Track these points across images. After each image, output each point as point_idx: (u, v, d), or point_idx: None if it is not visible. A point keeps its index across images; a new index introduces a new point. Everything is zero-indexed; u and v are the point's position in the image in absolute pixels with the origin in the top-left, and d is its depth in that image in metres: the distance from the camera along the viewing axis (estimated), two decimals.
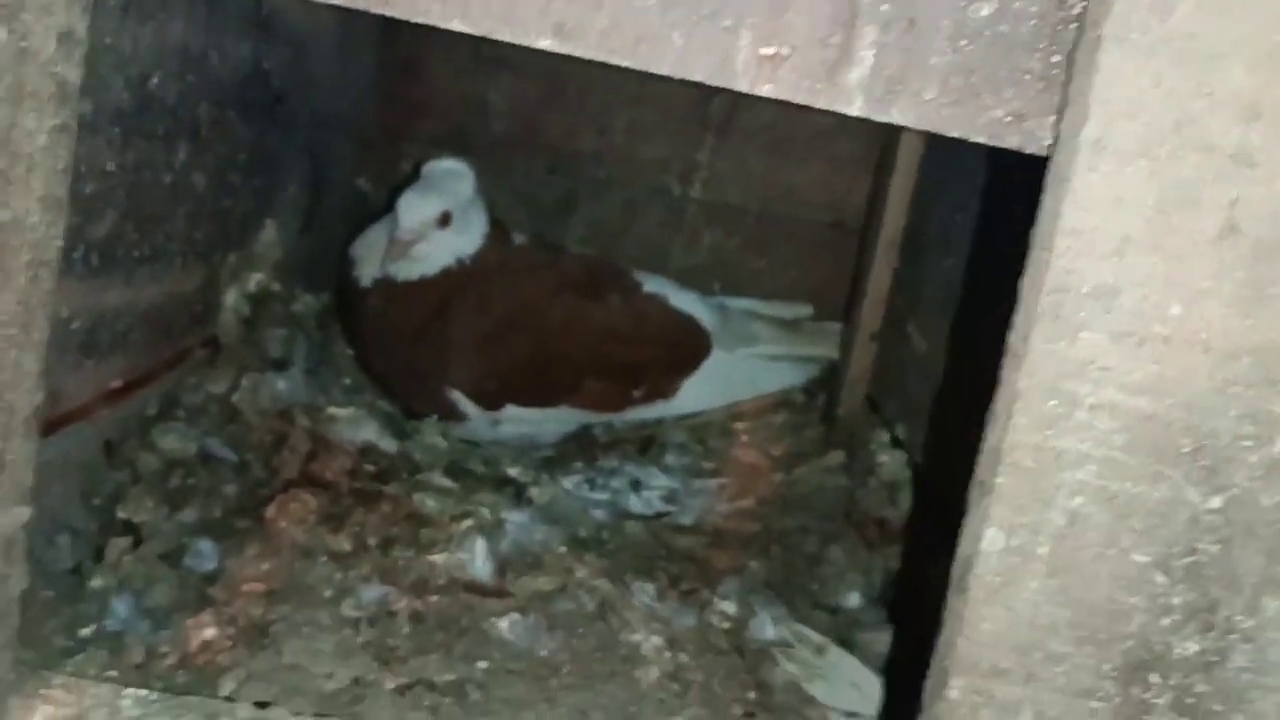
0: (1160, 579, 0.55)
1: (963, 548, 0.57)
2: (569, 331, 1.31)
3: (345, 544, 0.95)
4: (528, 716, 0.83)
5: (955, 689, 0.57)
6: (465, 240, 1.26)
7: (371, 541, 0.98)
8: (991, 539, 0.55)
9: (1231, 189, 0.52)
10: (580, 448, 1.32)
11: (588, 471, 1.20)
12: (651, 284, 1.41)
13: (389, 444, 1.09)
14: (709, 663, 0.94)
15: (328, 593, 0.90)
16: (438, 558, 0.97)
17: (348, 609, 0.89)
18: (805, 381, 1.50)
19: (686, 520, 1.17)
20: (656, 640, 0.95)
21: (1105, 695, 0.56)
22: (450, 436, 1.23)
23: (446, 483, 1.07)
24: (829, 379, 1.48)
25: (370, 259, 1.28)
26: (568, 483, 1.16)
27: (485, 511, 1.03)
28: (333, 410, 1.08)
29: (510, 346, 1.28)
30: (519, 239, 1.38)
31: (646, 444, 1.37)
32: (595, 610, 0.97)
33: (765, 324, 1.50)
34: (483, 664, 0.88)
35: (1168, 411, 0.54)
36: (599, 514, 1.14)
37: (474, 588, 0.96)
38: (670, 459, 1.29)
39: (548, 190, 1.56)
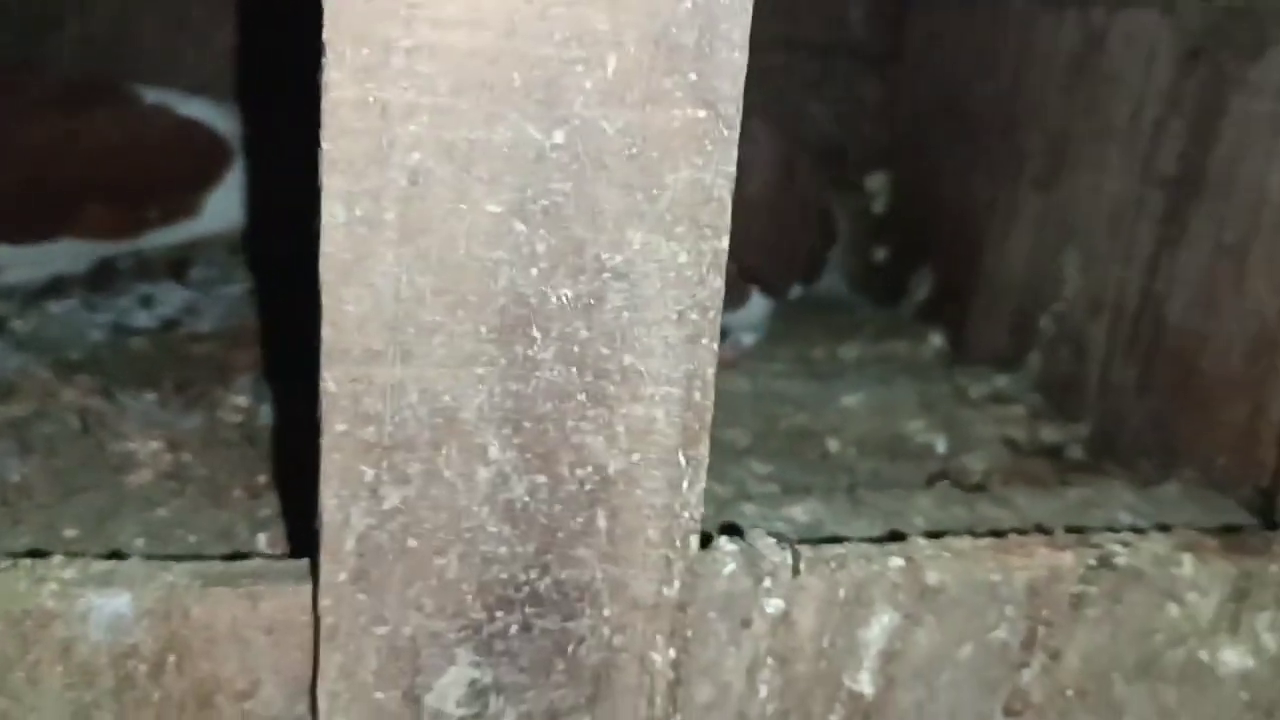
0: (520, 226, 0.53)
1: (316, 229, 0.53)
2: (52, 152, 1.17)
3: None
4: None
5: (332, 381, 0.53)
6: None
7: None
8: (334, 213, 0.51)
9: None
10: (92, 280, 1.20)
11: (88, 296, 1.09)
12: (154, 94, 1.28)
13: None
14: (215, 456, 0.88)
15: None
16: None
17: None
18: None
19: (205, 327, 1.09)
20: (154, 445, 0.87)
21: (489, 359, 0.54)
22: None
23: None
24: None
25: None
26: (58, 308, 1.05)
27: None
28: None
29: None
30: None
31: (178, 267, 1.27)
32: (81, 428, 0.89)
33: None
34: None
35: (490, 44, 0.50)
36: (97, 334, 1.04)
37: None
38: (195, 273, 1.20)
39: (24, 6, 1.37)
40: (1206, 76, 1.04)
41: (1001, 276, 1.34)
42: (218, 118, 1.30)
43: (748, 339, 1.25)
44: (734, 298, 1.15)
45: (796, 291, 1.27)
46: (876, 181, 1.59)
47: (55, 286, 1.13)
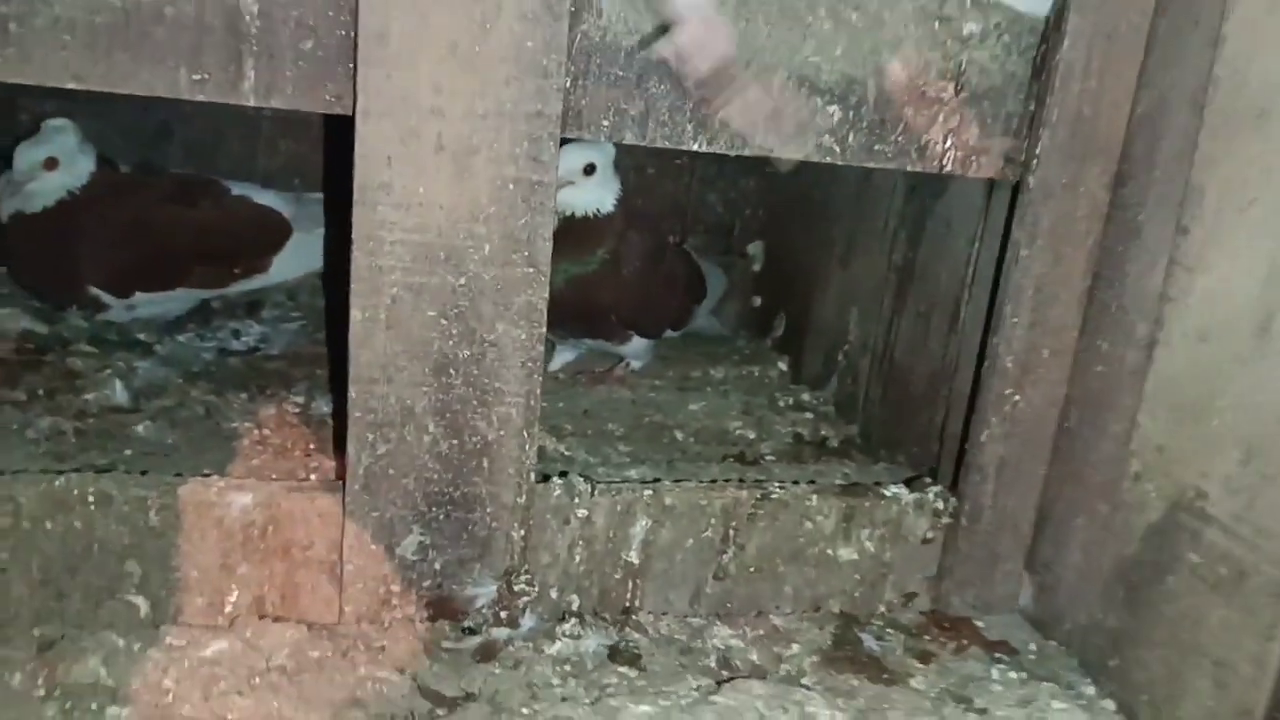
0: (444, 322, 1.11)
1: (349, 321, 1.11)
2: (174, 232, 1.76)
3: (22, 395, 1.42)
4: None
5: (353, 391, 1.12)
6: (71, 177, 1.67)
7: (40, 392, 1.44)
8: (355, 316, 1.10)
9: (436, 127, 1.07)
10: (199, 315, 1.80)
11: (199, 329, 1.69)
12: (238, 188, 1.88)
13: (41, 328, 1.54)
14: (285, 432, 1.46)
15: (14, 426, 1.36)
16: (89, 396, 1.45)
17: (30, 434, 1.36)
18: None
19: (275, 351, 1.68)
20: (249, 424, 1.47)
21: (429, 385, 1.12)
22: (91, 320, 1.68)
23: (90, 349, 1.53)
24: None
25: (4, 198, 1.69)
26: (182, 338, 1.65)
27: (121, 364, 1.51)
28: None
29: (130, 248, 1.73)
30: (125, 169, 1.81)
31: (253, 306, 1.87)
32: (204, 414, 1.48)
33: None
34: (128, 452, 1.37)
35: (430, 240, 1.09)
36: (207, 355, 1.63)
37: (118, 410, 1.44)
38: (265, 313, 1.80)
39: (146, 123, 1.98)
40: (917, 204, 1.62)
41: (820, 323, 1.92)
42: (281, 204, 1.90)
43: (635, 364, 1.83)
44: (619, 338, 1.74)
45: (669, 334, 1.86)
46: (755, 248, 2.18)
47: (177, 323, 1.73)
